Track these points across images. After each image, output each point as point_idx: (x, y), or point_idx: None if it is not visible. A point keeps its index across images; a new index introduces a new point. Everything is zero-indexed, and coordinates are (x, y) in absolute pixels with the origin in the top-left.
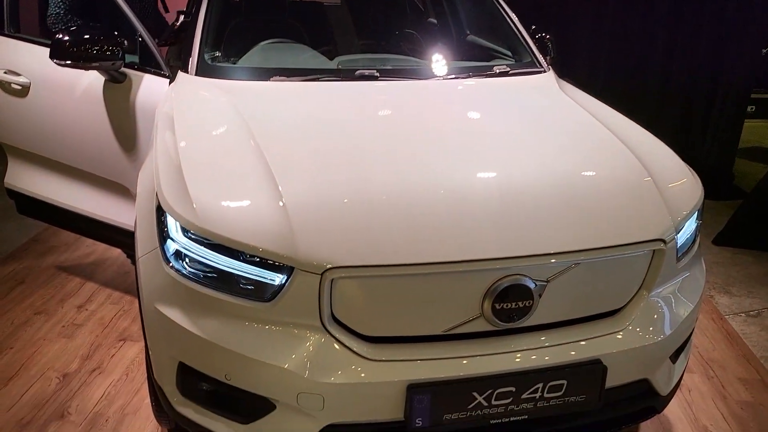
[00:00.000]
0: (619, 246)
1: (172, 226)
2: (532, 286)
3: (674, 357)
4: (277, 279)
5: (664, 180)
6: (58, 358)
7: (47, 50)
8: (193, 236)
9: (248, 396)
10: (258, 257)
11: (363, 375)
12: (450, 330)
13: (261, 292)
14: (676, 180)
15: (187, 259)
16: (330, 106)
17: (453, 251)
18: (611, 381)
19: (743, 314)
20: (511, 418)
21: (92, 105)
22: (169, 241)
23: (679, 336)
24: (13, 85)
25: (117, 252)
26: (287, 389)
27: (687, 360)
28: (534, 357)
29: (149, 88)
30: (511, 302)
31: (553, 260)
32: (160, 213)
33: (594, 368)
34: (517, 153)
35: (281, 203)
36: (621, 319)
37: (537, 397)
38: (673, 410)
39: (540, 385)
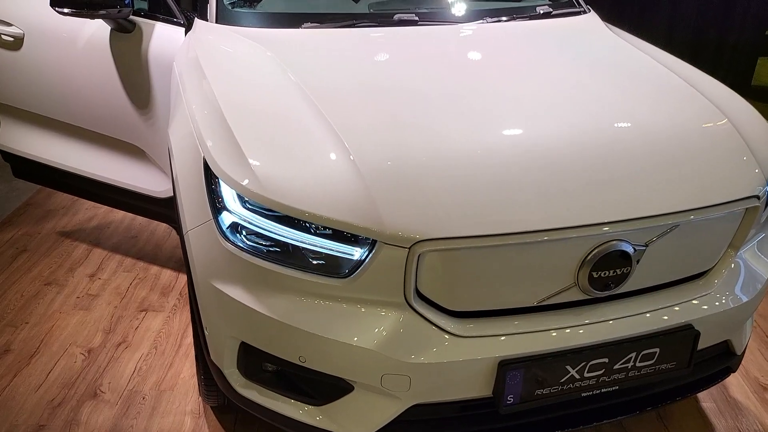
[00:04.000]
0: (719, 205)
1: (228, 195)
2: (631, 251)
3: None
4: (356, 253)
5: (743, 127)
6: (78, 332)
7: None
8: (254, 207)
9: (323, 377)
10: (335, 230)
11: (452, 353)
12: (541, 302)
13: (336, 268)
14: (755, 126)
15: (244, 232)
16: (378, 56)
17: (550, 218)
18: (699, 345)
19: None
20: (602, 390)
21: (97, 57)
22: (224, 212)
23: (761, 295)
24: (4, 37)
25: (120, 215)
26: (371, 371)
27: (753, 319)
28: (628, 326)
29: (162, 37)
30: (608, 269)
31: (654, 223)
32: (210, 180)
33: (687, 334)
34: (595, 104)
35: (354, 168)
36: (709, 280)
37: (629, 367)
38: None
39: (633, 355)
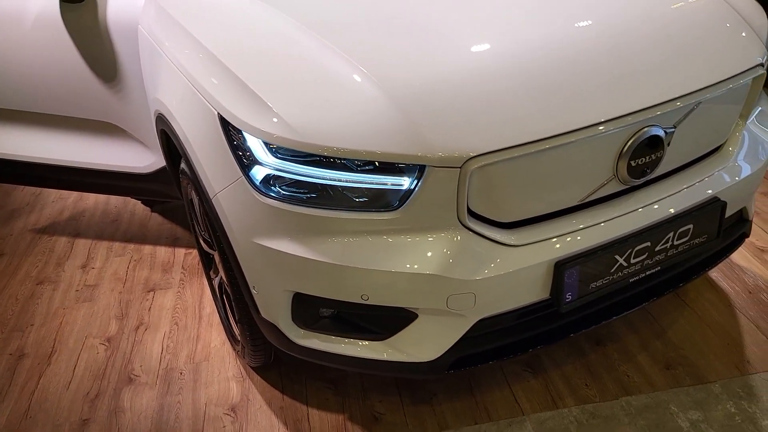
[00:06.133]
0: (733, 77)
1: (257, 147)
2: (662, 135)
3: None
4: (405, 182)
5: (736, 2)
6: (90, 323)
7: None
8: (286, 155)
9: (385, 311)
10: (379, 164)
11: (512, 263)
12: (584, 199)
13: (384, 201)
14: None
15: (278, 182)
16: None
17: (589, 114)
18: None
19: None
20: (646, 273)
21: (50, 35)
22: (255, 166)
23: None
24: None
25: (92, 202)
26: (436, 295)
27: None
28: (663, 207)
29: (119, 2)
30: (644, 156)
31: (680, 103)
32: (231, 136)
33: (715, 206)
34: None
35: (385, 95)
36: (726, 152)
37: (668, 247)
38: None
39: (671, 234)
